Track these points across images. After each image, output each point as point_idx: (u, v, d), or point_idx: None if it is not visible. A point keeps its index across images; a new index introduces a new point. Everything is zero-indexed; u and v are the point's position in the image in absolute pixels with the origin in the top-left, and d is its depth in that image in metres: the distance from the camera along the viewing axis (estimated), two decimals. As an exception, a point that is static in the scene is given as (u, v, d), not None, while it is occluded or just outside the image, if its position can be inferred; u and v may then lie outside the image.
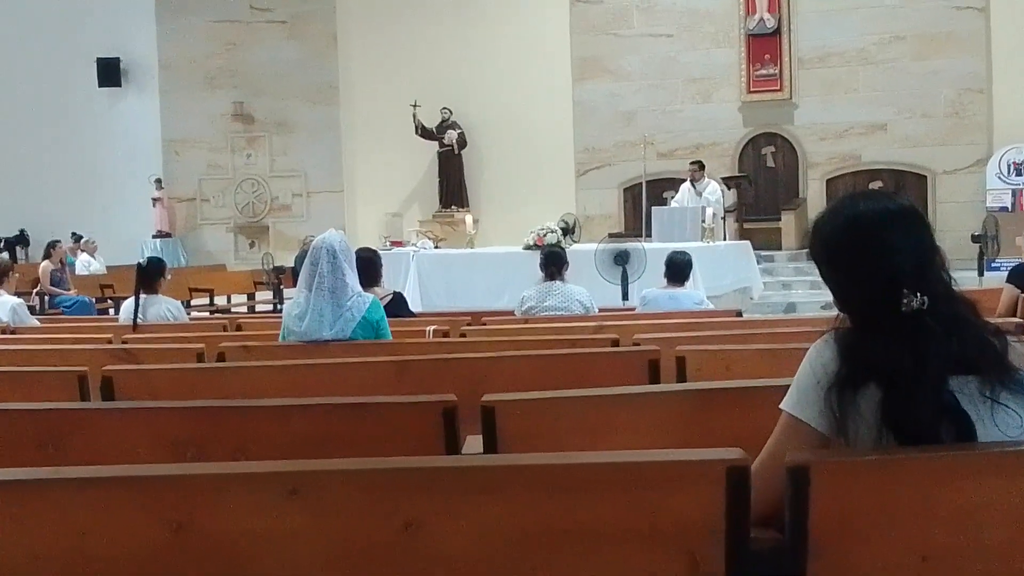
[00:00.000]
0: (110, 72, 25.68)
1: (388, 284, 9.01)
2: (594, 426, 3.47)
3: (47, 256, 18.61)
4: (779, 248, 20.58)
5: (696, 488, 2.37)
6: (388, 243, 17.63)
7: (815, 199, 21.36)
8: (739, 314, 8.99)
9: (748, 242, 17.37)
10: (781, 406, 2.75)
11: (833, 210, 2.81)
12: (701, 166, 18.92)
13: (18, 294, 11.13)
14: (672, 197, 19.17)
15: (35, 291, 18.06)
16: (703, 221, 16.16)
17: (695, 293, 10.12)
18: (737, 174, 21.36)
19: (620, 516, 2.35)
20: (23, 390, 4.93)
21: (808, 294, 17.82)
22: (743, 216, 20.31)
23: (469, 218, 18.49)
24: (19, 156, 25.62)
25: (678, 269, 9.66)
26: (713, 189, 18.39)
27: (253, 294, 21.50)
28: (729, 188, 19.95)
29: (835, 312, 2.78)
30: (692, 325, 7.33)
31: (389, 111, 23.65)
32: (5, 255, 21.21)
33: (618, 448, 3.24)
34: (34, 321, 10.22)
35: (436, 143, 24.00)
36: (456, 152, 23.97)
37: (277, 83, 24.50)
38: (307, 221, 24.10)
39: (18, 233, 25.90)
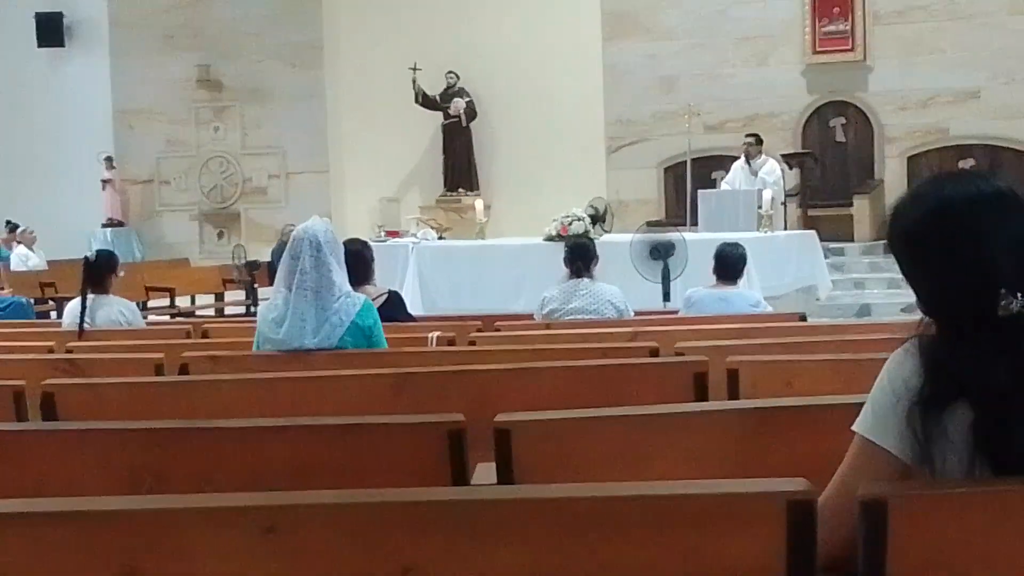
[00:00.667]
0: (51, 30, 25.75)
1: (382, 282, 9.02)
2: (629, 452, 3.47)
3: (-24, 250, 18.69)
4: (851, 239, 20.53)
5: (752, 526, 2.37)
6: (383, 233, 17.62)
7: (894, 180, 21.30)
8: (802, 318, 8.99)
9: (813, 232, 17.33)
10: (854, 428, 2.74)
11: (916, 194, 2.80)
12: (757, 141, 18.89)
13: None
14: (722, 178, 19.15)
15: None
16: (759, 207, 16.12)
17: (749, 293, 10.10)
18: (800, 151, 21.32)
19: (660, 560, 2.35)
20: (-52, 409, 4.94)
21: (885, 294, 17.79)
22: (807, 201, 20.27)
23: (479, 203, 18.48)
24: (-58, 130, 25.74)
25: (729, 265, 9.64)
26: (771, 169, 18.36)
27: (222, 294, 21.53)
28: (791, 167, 19.92)
29: (918, 316, 2.77)
30: (746, 331, 7.32)
31: (383, 76, 23.66)
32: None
33: (658, 478, 3.23)
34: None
35: (440, 114, 24.02)
36: (464, 125, 23.98)
37: (249, 43, 24.53)
38: (286, 207, 24.13)
39: (-59, 222, 26.02)
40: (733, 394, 4.95)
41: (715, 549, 2.35)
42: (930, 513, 2.44)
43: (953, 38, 21.49)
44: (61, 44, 25.90)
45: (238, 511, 2.41)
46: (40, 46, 25.78)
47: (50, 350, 7.36)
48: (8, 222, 23.34)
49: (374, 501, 2.44)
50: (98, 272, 9.03)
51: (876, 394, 2.72)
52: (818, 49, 22.00)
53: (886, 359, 2.76)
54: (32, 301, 18.45)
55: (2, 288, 18.25)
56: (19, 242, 22.08)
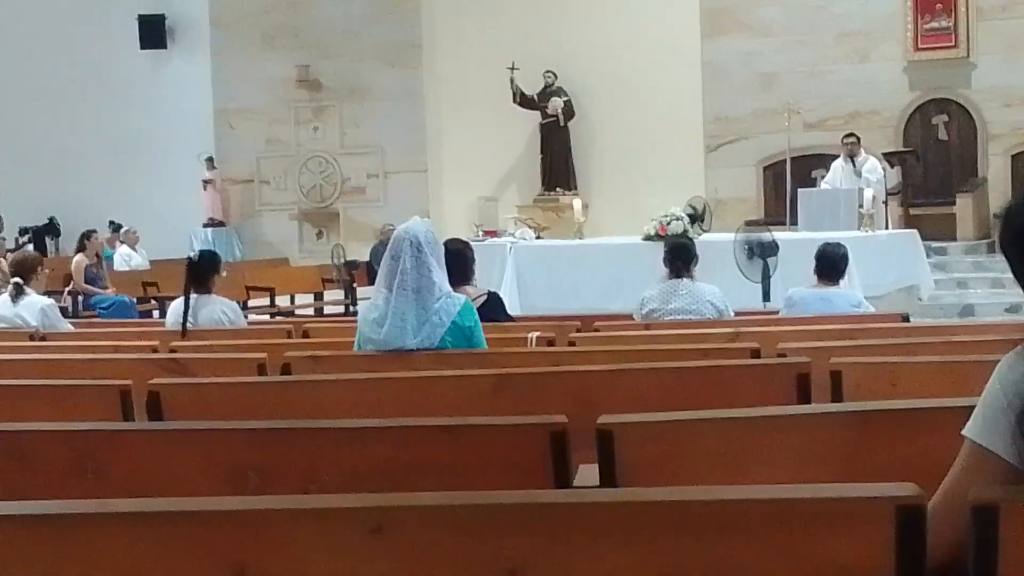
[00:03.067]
0: (153, 32, 26.08)
1: (482, 282, 9.04)
2: (732, 455, 3.46)
3: (81, 249, 18.90)
4: (953, 238, 20.28)
5: (860, 530, 2.35)
6: (481, 233, 17.69)
7: (997, 179, 21.02)
8: (905, 318, 8.92)
9: (915, 231, 17.15)
10: (964, 432, 2.71)
11: (1030, 196, 2.76)
12: (858, 139, 18.74)
13: (48, 293, 11.33)
14: (822, 177, 19.00)
15: (67, 290, 18.37)
16: (860, 206, 16.00)
17: (851, 293, 10.03)
18: (902, 149, 21.09)
19: (767, 565, 2.34)
20: (56, 407, 5.02)
21: (989, 294, 17.56)
22: (909, 199, 20.07)
23: (577, 203, 18.49)
24: (48, 132, 26.08)
25: (831, 264, 9.58)
26: (873, 167, 18.19)
27: (321, 293, 21.67)
28: (892, 166, 19.71)
29: (1028, 318, 2.73)
30: (849, 332, 7.27)
31: (481, 75, 23.70)
32: (31, 248, 21.60)
33: (762, 481, 3.22)
34: (67, 325, 10.39)
35: (538, 113, 24.02)
36: (562, 124, 23.97)
37: (348, 43, 24.66)
38: (384, 206, 24.23)
39: (47, 222, 26.38)
40: (836, 396, 4.92)
41: (823, 554, 2.34)
42: (1042, 519, 2.41)
43: (1060, 33, 21.17)
44: (163, 46, 26.22)
45: (345, 511, 2.43)
46: (143, 48, 26.10)
47: (154, 349, 7.46)
48: (111, 222, 23.66)
49: (479, 503, 2.45)
50: (201, 272, 9.11)
51: (987, 398, 2.69)
52: (920, 46, 21.73)
53: (995, 361, 2.73)
54: (135, 300, 18.71)
55: (106, 287, 18.49)
56: (122, 242, 22.35)
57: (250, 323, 10.77)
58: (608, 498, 2.59)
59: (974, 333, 6.96)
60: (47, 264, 12.48)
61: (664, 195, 18.48)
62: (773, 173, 22.20)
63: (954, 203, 20.73)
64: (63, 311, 10.40)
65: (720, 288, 9.81)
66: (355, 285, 20.75)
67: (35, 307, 9.91)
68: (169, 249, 22.37)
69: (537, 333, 7.29)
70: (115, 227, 23.32)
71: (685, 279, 9.49)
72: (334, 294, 21.55)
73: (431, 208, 23.33)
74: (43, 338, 9.07)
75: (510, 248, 15.73)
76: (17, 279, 10.15)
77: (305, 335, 8.65)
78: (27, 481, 3.66)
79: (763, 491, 2.49)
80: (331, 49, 24.76)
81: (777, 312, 10.03)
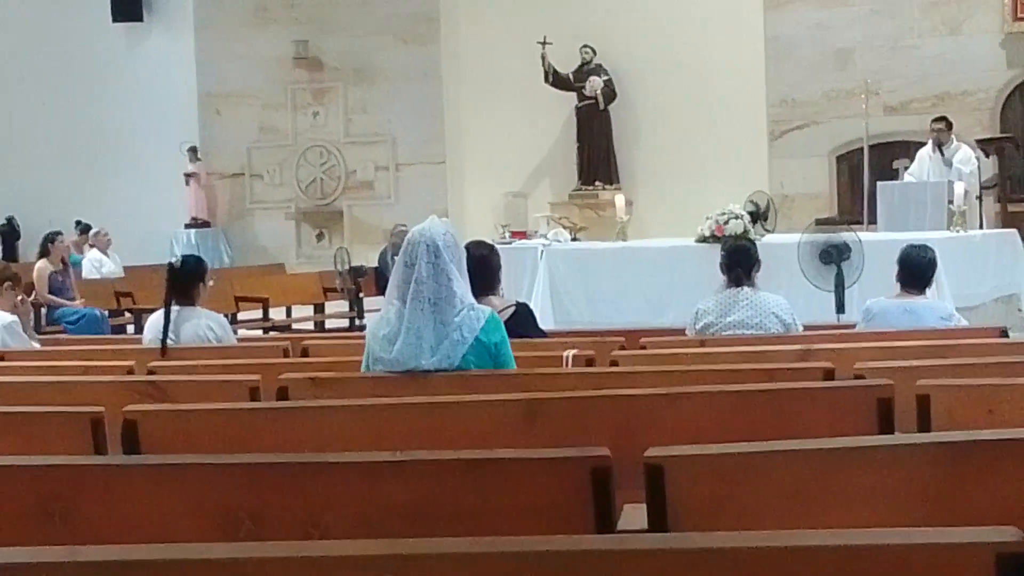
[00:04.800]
0: (128, 2, 26.15)
1: (509, 292, 9.05)
2: (803, 493, 3.45)
3: (44, 253, 18.91)
4: (1059, 239, 20.24)
5: (953, 582, 2.35)
6: (507, 234, 17.69)
7: (1109, 169, 20.97)
8: (1004, 333, 8.89)
9: (1015, 231, 17.12)
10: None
11: None
12: (949, 124, 18.68)
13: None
14: (906, 168, 18.95)
15: (21, 295, 18.38)
16: (950, 202, 15.96)
17: (940, 305, 10.00)
18: (998, 135, 21.05)
19: (845, 622, 2.34)
20: (17, 439, 5.04)
21: (1101, 305, 17.50)
22: (1007, 194, 20.02)
23: (620, 199, 18.46)
24: (6, 118, 26.21)
25: (917, 271, 9.55)
26: (965, 156, 18.14)
27: (323, 305, 21.66)
28: (987, 155, 19.67)
29: None
30: (938, 350, 7.25)
31: (508, 51, 23.73)
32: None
33: (838, 524, 3.22)
34: (35, 344, 10.41)
35: (574, 95, 24.03)
36: (601, 107, 23.97)
37: (353, 15, 24.73)
38: (396, 204, 24.31)
39: (5, 222, 26.51)
40: (924, 424, 4.91)
41: (910, 610, 2.34)
42: None
43: None
44: (139, 18, 26.30)
45: (354, 561, 2.43)
46: (115, 20, 26.19)
47: (130, 371, 7.46)
48: (78, 222, 23.64)
49: (510, 550, 2.45)
50: (184, 281, 9.12)
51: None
52: (1020, 16, 21.70)
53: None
54: (107, 313, 18.73)
55: (73, 298, 18.51)
56: (92, 245, 22.36)
57: (240, 340, 10.78)
58: (658, 545, 2.59)
59: (1084, 351, 6.95)
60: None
61: (721, 190, 18.48)
62: (848, 164, 22.19)
63: (1060, 198, 20.70)
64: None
65: (786, 298, 9.79)
66: (362, 295, 20.74)
67: (-5, 325, 9.94)
68: (146, 254, 22.44)
69: (574, 351, 7.29)
70: (84, 228, 23.32)
71: (745, 288, 9.47)
72: (337, 306, 21.55)
73: (450, 206, 23.39)
74: (1, 358, 9.09)
75: (542, 252, 15.74)
76: (-22, 288, 10.18)
77: (304, 354, 8.67)
78: (-16, 524, 3.67)
79: (839, 536, 2.49)
80: (334, 23, 24.84)
81: (853, 326, 10.00)
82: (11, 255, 25.13)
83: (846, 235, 12.95)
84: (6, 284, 10.40)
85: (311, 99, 25.35)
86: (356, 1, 24.64)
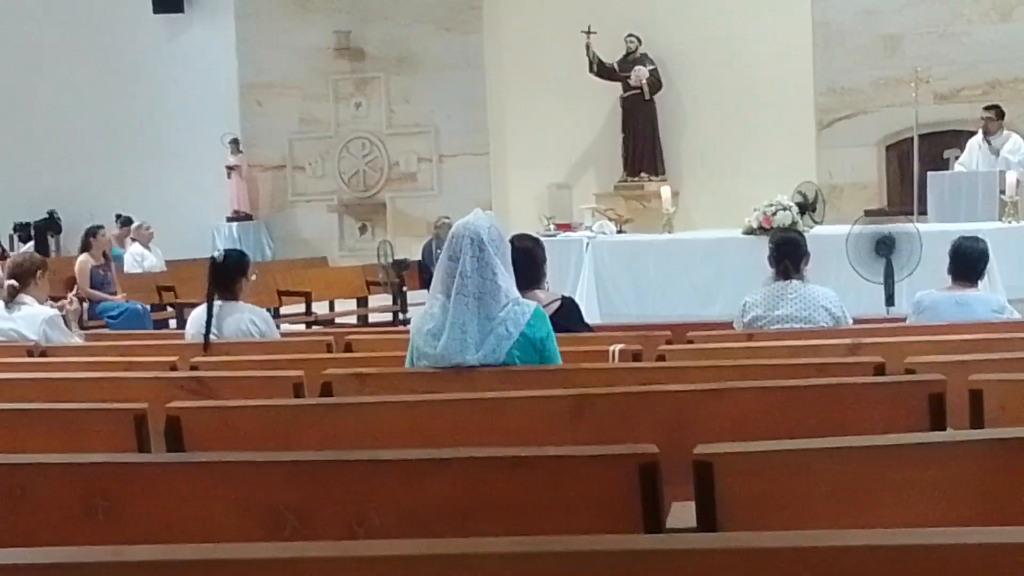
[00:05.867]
0: (168, -7, 26.24)
1: (554, 285, 9.04)
2: (854, 491, 3.45)
3: (85, 248, 18.95)
4: (1114, 229, 20.11)
5: (1008, 583, 2.34)
6: (552, 226, 17.69)
7: None
8: (1058, 326, 8.84)
9: (1069, 221, 17.03)
10: None
11: None
12: (998, 114, 18.57)
13: (52, 300, 11.33)
14: (956, 158, 18.87)
15: (71, 295, 18.43)
16: (1002, 192, 15.88)
17: (992, 297, 9.96)
18: (1052, 123, 20.94)
19: (898, 623, 2.33)
20: (60, 436, 5.07)
21: None
22: (1061, 184, 19.91)
23: (666, 190, 18.44)
24: (46, 111, 26.32)
25: (968, 263, 9.52)
26: (1016, 145, 18.04)
27: (366, 299, 21.70)
28: (1040, 144, 19.57)
29: None
30: (991, 343, 7.22)
31: (552, 41, 23.67)
32: (31, 247, 21.72)
33: (889, 523, 3.20)
34: (76, 339, 10.43)
35: (619, 85, 23.98)
36: (647, 97, 23.90)
37: (396, 4, 24.72)
38: (439, 196, 24.31)
39: (46, 216, 26.60)
40: (977, 420, 4.89)
41: (964, 611, 2.33)
42: None
43: None
44: (180, 9, 26.33)
45: (400, 560, 2.44)
46: (156, 12, 26.23)
47: (173, 366, 7.49)
48: (119, 216, 23.68)
49: (556, 550, 2.45)
50: (227, 275, 9.14)
51: None
52: (1073, 1, 21.59)
53: None
54: (149, 308, 18.81)
55: (115, 292, 18.57)
56: (134, 239, 22.41)
57: (283, 334, 10.80)
58: (707, 544, 2.59)
59: None
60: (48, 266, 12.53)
61: (768, 181, 18.40)
62: (898, 153, 22.08)
63: (1114, 188, 20.55)
64: (65, 320, 10.41)
65: (835, 291, 9.77)
66: (405, 289, 20.77)
67: (35, 320, 9.93)
68: (188, 248, 22.49)
69: (621, 346, 7.28)
70: (124, 221, 23.36)
71: (794, 280, 9.45)
72: (381, 300, 21.59)
73: (494, 198, 23.39)
74: (43, 353, 9.12)
75: (587, 244, 15.73)
76: (12, 281, 10.19)
77: (348, 349, 8.67)
78: (28, 523, 3.69)
79: (890, 536, 2.48)
80: (376, 11, 24.83)
81: (904, 320, 9.97)
82: (43, 248, 25.21)
83: (899, 226, 12.91)
84: (37, 273, 10.41)
85: (353, 89, 25.34)
86: (399, -10, 24.66)
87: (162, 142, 25.85)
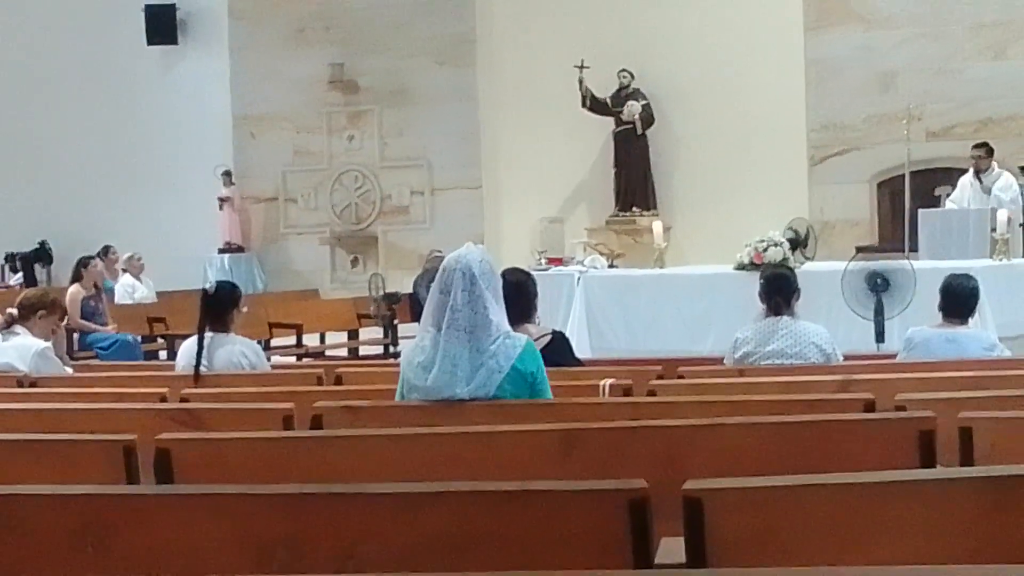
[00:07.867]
0: (163, 24, 26.27)
1: (545, 319, 9.04)
2: (844, 528, 3.45)
3: (76, 278, 18.93)
4: (1106, 268, 20.13)
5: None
6: (543, 260, 17.69)
7: None
8: (1049, 364, 8.85)
9: (1059, 259, 17.05)
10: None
11: None
12: (989, 151, 18.61)
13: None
14: (947, 195, 18.90)
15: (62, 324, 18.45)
16: (993, 229, 15.90)
17: (983, 334, 9.98)
18: (1045, 161, 20.98)
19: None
20: (49, 467, 5.07)
21: None
22: (1051, 222, 19.94)
23: (658, 225, 18.44)
24: (38, 141, 26.35)
25: (959, 300, 9.54)
26: (1007, 183, 18.07)
27: (357, 332, 21.69)
28: (1033, 181, 19.61)
29: None
30: (981, 381, 7.22)
31: (546, 75, 23.73)
32: (20, 277, 21.71)
33: (879, 559, 3.22)
34: (67, 369, 10.43)
35: (611, 120, 24.03)
36: (639, 132, 23.96)
37: (390, 37, 24.77)
38: (431, 229, 24.33)
39: (37, 246, 26.57)
40: (967, 458, 4.90)
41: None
42: None
43: None
44: (174, 41, 26.38)
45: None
46: (150, 43, 26.27)
47: (163, 398, 7.50)
48: (106, 247, 23.56)
49: (546, 585, 2.46)
50: (218, 307, 9.15)
51: None
52: (1067, 39, 21.65)
53: None
54: (139, 339, 18.80)
55: (106, 323, 18.56)
56: (125, 270, 22.38)
57: (274, 366, 10.81)
58: (697, 580, 2.60)
59: None
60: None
61: (760, 216, 18.45)
62: (890, 190, 22.12)
63: (1105, 226, 20.58)
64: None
65: (826, 327, 9.78)
66: (397, 322, 20.75)
67: (27, 351, 9.94)
68: (179, 279, 22.47)
69: (611, 380, 7.29)
70: (103, 251, 23.10)
71: (785, 317, 9.46)
72: (372, 333, 21.57)
73: (486, 231, 23.39)
74: (33, 384, 9.12)
75: (578, 279, 15.74)
76: (13, 311, 10.20)
77: (338, 381, 8.69)
78: (15, 555, 3.69)
79: (880, 573, 2.49)
80: (370, 44, 24.88)
81: (894, 356, 9.99)
82: (31, 279, 25.18)
83: (898, 263, 12.92)
84: (40, 313, 10.38)
85: (346, 122, 25.39)
86: (392, 23, 24.67)
87: (155, 173, 25.86)
